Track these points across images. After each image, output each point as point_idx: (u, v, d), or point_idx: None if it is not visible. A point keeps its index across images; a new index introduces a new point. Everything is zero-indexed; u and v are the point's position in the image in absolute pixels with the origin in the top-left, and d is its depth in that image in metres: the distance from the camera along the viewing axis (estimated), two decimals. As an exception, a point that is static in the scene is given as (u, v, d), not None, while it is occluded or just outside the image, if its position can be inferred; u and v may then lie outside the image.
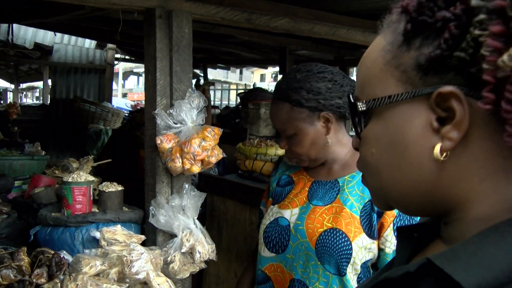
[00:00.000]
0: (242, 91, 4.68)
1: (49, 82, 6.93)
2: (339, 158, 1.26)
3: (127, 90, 20.31)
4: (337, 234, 1.15)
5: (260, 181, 2.56)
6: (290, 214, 1.25)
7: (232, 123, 3.98)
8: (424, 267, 0.41)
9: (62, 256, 1.35)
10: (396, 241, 1.13)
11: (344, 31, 2.32)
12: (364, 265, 1.17)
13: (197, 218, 1.72)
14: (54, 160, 2.78)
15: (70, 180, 1.61)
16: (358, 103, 0.50)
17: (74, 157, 4.74)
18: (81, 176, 1.63)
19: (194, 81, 3.84)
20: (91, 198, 1.66)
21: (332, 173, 1.27)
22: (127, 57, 6.82)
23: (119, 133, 3.79)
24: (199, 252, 1.51)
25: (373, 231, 1.16)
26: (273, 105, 1.23)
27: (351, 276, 1.15)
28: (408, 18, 0.44)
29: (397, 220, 1.15)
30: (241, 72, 19.01)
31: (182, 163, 1.47)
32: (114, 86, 14.79)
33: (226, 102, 9.65)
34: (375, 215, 1.16)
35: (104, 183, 1.72)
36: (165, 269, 1.49)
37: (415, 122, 0.44)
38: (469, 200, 0.44)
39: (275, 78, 19.59)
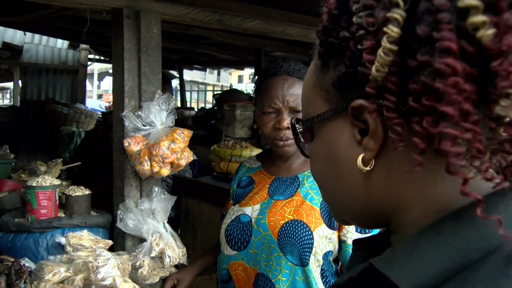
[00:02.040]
0: (218, 92, 4.66)
1: (20, 83, 6.73)
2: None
3: (103, 91, 19.92)
4: (299, 225, 1.18)
5: (234, 183, 2.55)
6: (252, 210, 1.28)
7: (207, 125, 3.95)
8: (366, 271, 0.42)
9: (22, 263, 1.30)
10: (357, 234, 1.18)
11: (317, 33, 2.33)
12: (325, 256, 1.20)
13: (172, 221, 1.69)
14: (21, 164, 2.70)
15: (34, 184, 1.56)
16: (296, 125, 0.54)
17: (46, 160, 4.60)
18: (46, 180, 1.58)
19: None
20: (57, 202, 1.61)
21: (292, 169, 1.30)
22: (101, 57, 6.69)
23: (92, 135, 3.71)
24: (169, 256, 1.48)
25: (333, 221, 1.20)
26: (288, 81, 1.24)
27: (314, 267, 1.18)
28: (320, 42, 0.47)
29: None
30: (218, 74, 18.95)
31: (151, 166, 1.45)
32: (89, 87, 14.50)
33: (203, 104, 9.59)
34: None
35: (71, 187, 1.68)
36: (134, 274, 1.45)
37: (342, 136, 0.46)
38: (401, 205, 0.44)
39: (253, 79, 19.61)
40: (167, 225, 1.56)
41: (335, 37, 0.44)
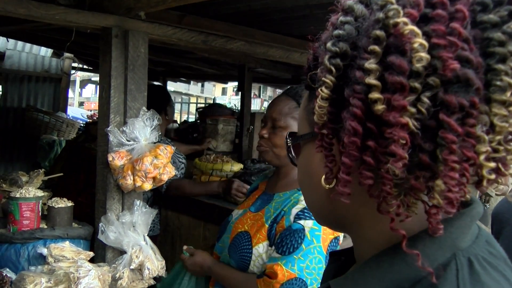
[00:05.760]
0: (201, 105, 4.72)
1: (0, 89, 6.65)
2: (291, 174, 1.38)
3: (84, 98, 19.71)
4: (245, 237, 1.33)
5: (215, 196, 2.59)
6: (236, 213, 1.46)
7: (190, 138, 3.99)
8: None
9: (4, 274, 1.33)
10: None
11: (298, 54, 2.43)
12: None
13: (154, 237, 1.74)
14: (1, 173, 2.69)
15: (18, 195, 1.58)
16: (288, 139, 0.62)
17: (25, 168, 4.53)
18: (29, 192, 1.61)
19: None
20: (40, 213, 1.64)
21: (274, 187, 1.41)
22: (85, 66, 6.67)
23: (73, 145, 3.70)
24: (148, 269, 1.52)
25: (273, 240, 1.30)
26: (279, 98, 1.37)
27: (253, 272, 1.31)
28: (306, 76, 0.54)
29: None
30: (202, 85, 18.99)
31: (134, 180, 1.50)
32: (71, 94, 14.32)
33: (186, 115, 9.62)
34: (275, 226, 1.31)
35: (54, 199, 1.71)
36: (113, 286, 1.49)
37: (316, 156, 0.54)
38: (356, 222, 0.52)
39: (236, 92, 19.70)
40: (147, 238, 1.61)
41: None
